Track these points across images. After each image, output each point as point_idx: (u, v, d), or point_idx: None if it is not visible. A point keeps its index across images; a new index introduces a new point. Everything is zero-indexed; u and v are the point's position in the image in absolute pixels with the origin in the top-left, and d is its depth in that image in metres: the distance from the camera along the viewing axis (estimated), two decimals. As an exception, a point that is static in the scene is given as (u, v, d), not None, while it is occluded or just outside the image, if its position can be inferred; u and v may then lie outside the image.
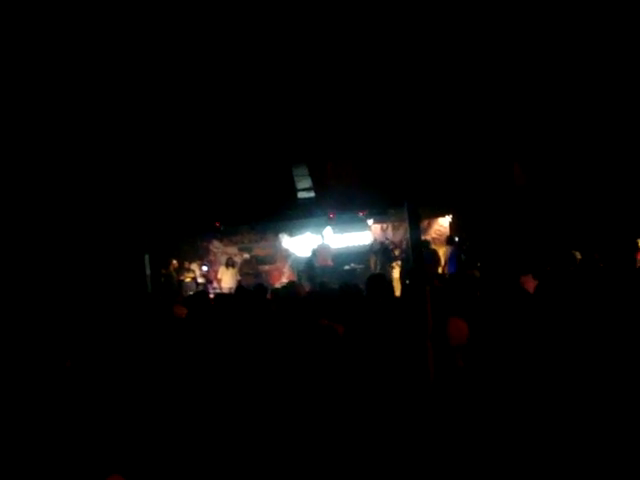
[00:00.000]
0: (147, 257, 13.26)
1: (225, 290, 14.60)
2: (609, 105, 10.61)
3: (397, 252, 15.22)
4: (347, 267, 14.78)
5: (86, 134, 10.03)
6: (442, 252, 15.21)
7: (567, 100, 10.60)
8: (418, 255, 11.64)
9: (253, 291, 7.89)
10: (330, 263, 14.77)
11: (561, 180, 12.31)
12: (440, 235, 16.06)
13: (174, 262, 15.28)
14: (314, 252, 14.86)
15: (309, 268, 14.22)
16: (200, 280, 15.74)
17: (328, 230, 15.59)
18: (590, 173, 12.08)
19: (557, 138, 11.70)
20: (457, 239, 14.57)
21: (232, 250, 16.88)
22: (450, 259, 13.59)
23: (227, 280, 15.11)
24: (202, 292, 9.02)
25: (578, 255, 7.86)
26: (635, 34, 8.88)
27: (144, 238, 12.95)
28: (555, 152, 11.97)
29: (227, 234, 16.42)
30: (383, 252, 14.74)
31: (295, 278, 15.73)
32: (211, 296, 14.02)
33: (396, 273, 14.25)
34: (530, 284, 6.68)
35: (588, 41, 9.04)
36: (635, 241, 11.87)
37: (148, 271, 13.14)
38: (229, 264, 15.48)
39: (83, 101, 9.37)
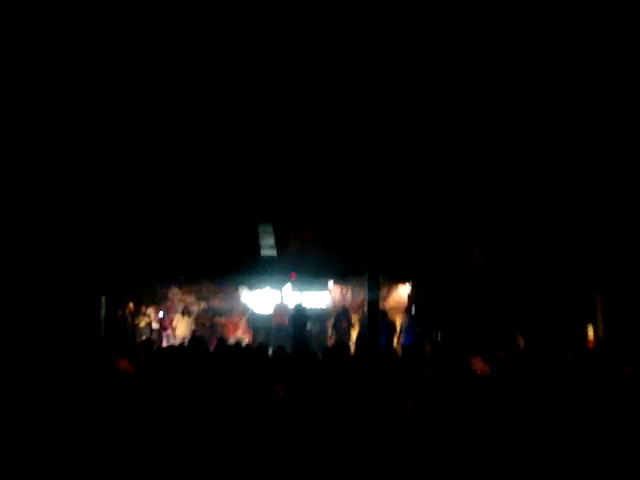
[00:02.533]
0: (104, 298, 13.14)
1: (179, 338, 14.48)
2: (566, 192, 11.02)
3: (344, 324, 15.24)
4: (302, 328, 14.76)
5: (49, 172, 10.03)
6: (399, 321, 15.37)
7: (530, 185, 10.98)
8: (373, 323, 11.75)
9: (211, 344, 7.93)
10: (286, 322, 14.77)
11: (520, 263, 12.65)
12: (398, 304, 16.19)
13: (130, 305, 15.11)
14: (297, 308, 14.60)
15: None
16: (155, 326, 15.54)
17: (287, 288, 15.62)
18: (550, 259, 12.44)
19: (518, 222, 12.07)
20: (414, 310, 14.79)
21: (190, 298, 16.73)
22: (406, 329, 13.76)
23: (182, 329, 15.01)
24: (148, 341, 8.91)
25: (521, 341, 8.08)
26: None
27: (103, 279, 12.84)
28: (516, 236, 12.33)
29: (187, 282, 16.35)
30: (345, 315, 14.87)
31: (250, 333, 15.68)
32: (164, 344, 13.94)
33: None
34: (479, 365, 6.83)
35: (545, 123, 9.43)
36: (585, 325, 12.23)
37: (103, 313, 13.00)
38: (185, 312, 15.39)
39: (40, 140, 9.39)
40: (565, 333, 11.37)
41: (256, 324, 15.68)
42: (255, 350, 7.75)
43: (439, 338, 12.27)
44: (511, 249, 12.25)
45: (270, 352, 8.50)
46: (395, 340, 14.31)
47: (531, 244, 12.15)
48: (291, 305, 14.94)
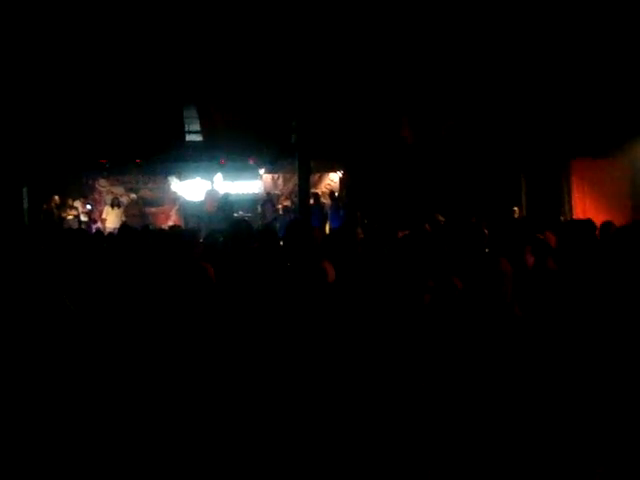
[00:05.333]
0: (25, 190, 12.73)
1: (109, 230, 14.25)
2: (496, 65, 11.02)
3: (286, 203, 15.38)
4: (235, 215, 14.76)
5: None
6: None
7: (456, 58, 10.90)
8: (304, 207, 11.83)
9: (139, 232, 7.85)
10: (219, 209, 14.71)
11: (446, 143, 12.79)
12: (330, 190, 16.33)
13: (55, 198, 14.69)
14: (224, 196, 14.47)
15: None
16: (83, 218, 15.25)
17: (218, 176, 15.48)
18: (475, 135, 12.61)
19: (446, 100, 12.10)
20: (337, 195, 14.97)
21: (119, 190, 16.40)
22: (332, 215, 13.96)
23: (112, 220, 14.77)
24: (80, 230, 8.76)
25: (441, 218, 8.25)
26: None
27: (22, 169, 12.36)
28: (443, 114, 12.38)
29: (114, 173, 15.96)
30: (269, 202, 14.87)
31: (182, 222, 15.58)
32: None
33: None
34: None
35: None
36: (512, 209, 12.63)
37: (25, 204, 12.62)
38: (114, 204, 15.11)
39: None
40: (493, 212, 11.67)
41: (187, 212, 15.61)
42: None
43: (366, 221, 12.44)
44: (438, 126, 12.32)
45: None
46: (327, 225, 14.50)
47: (459, 122, 12.25)
48: (222, 192, 14.87)
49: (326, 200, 15.53)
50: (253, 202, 15.63)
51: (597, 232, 5.95)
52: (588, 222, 5.17)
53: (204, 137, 12.55)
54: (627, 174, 12.38)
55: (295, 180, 14.91)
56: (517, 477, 3.10)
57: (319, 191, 15.87)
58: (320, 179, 16.52)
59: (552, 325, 3.85)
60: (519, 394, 3.19)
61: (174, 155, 14.02)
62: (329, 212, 14.30)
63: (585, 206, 12.46)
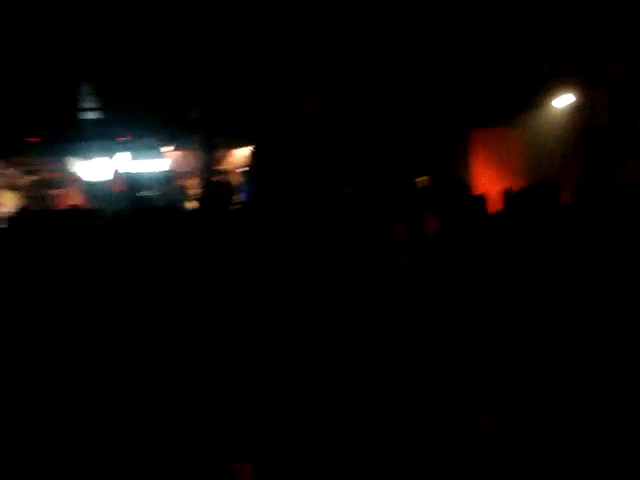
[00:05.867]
0: None
1: (6, 214, 13.63)
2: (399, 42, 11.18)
3: (192, 180, 15.15)
4: (140, 194, 14.41)
5: None
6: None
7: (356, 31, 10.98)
8: (210, 184, 11.71)
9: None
10: (125, 189, 14.36)
11: (351, 113, 12.90)
12: (238, 165, 16.17)
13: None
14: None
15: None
16: (-24, 204, 14.52)
17: (122, 155, 15.06)
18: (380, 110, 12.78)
19: (348, 74, 12.19)
20: (247, 169, 14.94)
21: (14, 172, 15.65)
22: (240, 190, 13.96)
23: (9, 205, 14.16)
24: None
25: (346, 189, 8.38)
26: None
27: None
28: (346, 87, 12.47)
29: (7, 154, 15.21)
30: (172, 180, 14.66)
31: (86, 203, 15.09)
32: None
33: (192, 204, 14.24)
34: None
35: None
36: (413, 181, 12.90)
37: None
38: (11, 187, 14.51)
39: None
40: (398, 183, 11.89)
41: (91, 193, 15.12)
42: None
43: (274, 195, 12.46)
44: (342, 99, 12.41)
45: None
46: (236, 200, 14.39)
47: (360, 95, 12.37)
48: (126, 171, 14.54)
49: (234, 176, 15.40)
50: (157, 181, 15.32)
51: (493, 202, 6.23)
52: (479, 197, 5.51)
53: (102, 114, 12.13)
54: (523, 143, 12.90)
55: (201, 157, 14.70)
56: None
57: (226, 167, 15.69)
58: (227, 155, 16.32)
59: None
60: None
61: (71, 134, 13.53)
62: (237, 187, 14.23)
63: (486, 175, 12.89)
